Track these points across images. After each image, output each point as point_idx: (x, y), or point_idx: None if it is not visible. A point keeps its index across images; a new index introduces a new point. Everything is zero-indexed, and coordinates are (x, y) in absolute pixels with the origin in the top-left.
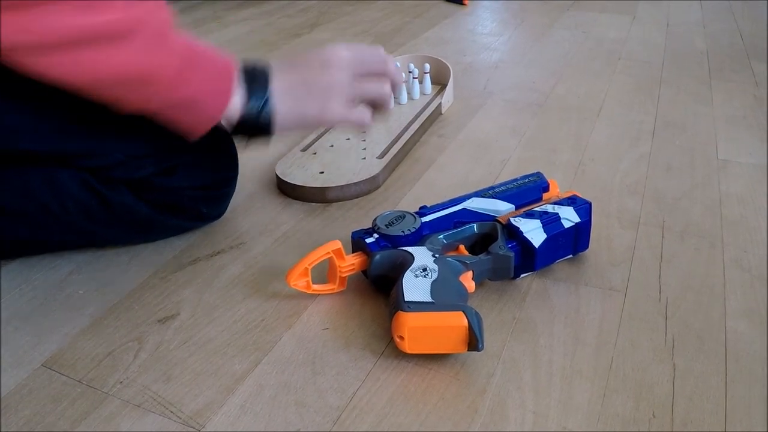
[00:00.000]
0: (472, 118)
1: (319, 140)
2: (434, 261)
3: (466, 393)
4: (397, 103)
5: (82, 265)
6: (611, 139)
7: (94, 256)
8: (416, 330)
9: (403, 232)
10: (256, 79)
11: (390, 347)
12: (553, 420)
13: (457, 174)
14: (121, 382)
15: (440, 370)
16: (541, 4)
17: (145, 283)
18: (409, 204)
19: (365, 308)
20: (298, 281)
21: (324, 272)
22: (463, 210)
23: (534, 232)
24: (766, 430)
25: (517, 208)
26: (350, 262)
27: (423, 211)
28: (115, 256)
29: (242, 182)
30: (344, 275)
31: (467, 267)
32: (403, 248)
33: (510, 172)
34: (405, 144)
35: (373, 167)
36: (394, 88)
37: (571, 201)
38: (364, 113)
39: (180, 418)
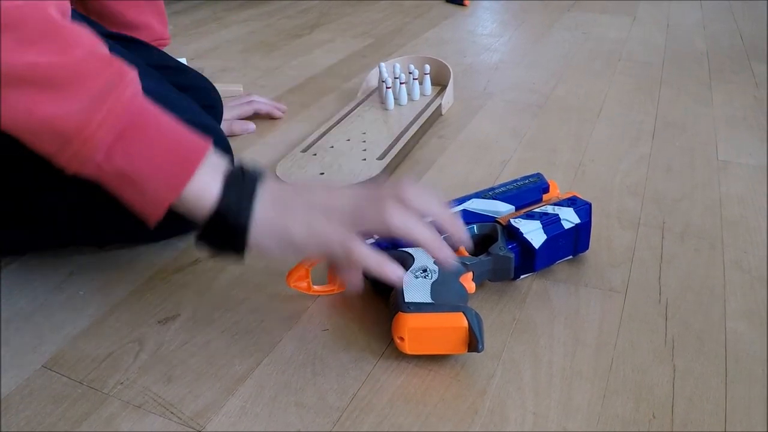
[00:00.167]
0: (473, 119)
1: (320, 141)
2: (434, 262)
3: (467, 394)
4: (397, 104)
5: (82, 266)
6: (611, 139)
7: (95, 257)
8: (416, 331)
9: None
10: (242, 176)
11: (390, 348)
12: (553, 421)
13: (457, 175)
14: (122, 383)
15: (440, 370)
16: (541, 5)
17: (145, 284)
18: None
19: (365, 309)
20: (299, 282)
21: (324, 273)
22: (464, 211)
23: (534, 233)
24: (766, 430)
25: (517, 209)
26: None
27: None
28: (115, 257)
29: None
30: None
31: (467, 268)
32: (404, 249)
33: (510, 173)
34: (405, 145)
35: (373, 168)
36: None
37: (571, 202)
38: (389, 264)
39: (180, 419)
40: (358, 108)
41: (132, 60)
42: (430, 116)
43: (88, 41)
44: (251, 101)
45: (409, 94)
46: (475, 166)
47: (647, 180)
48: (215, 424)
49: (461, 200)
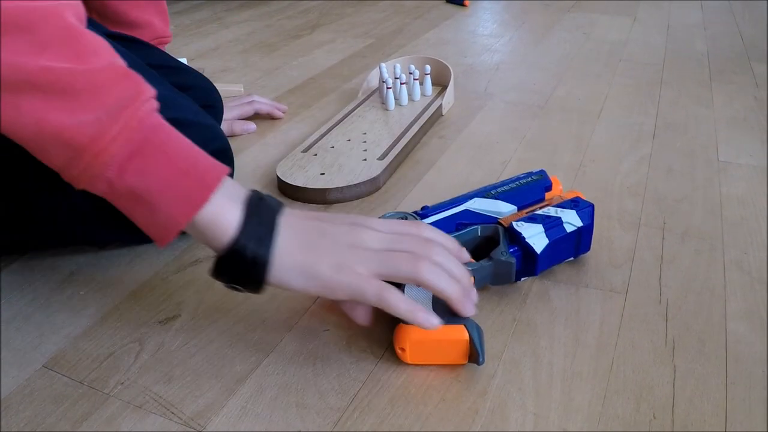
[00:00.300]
0: (473, 119)
1: (320, 141)
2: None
3: (467, 394)
4: (398, 104)
5: (83, 265)
6: (612, 140)
7: (95, 256)
8: (418, 343)
9: None
10: (260, 205)
11: (391, 349)
12: (554, 421)
13: (457, 175)
14: (122, 383)
15: (441, 371)
16: (542, 6)
17: (146, 284)
18: (410, 205)
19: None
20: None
21: None
22: (465, 211)
23: (536, 238)
24: (766, 431)
25: (519, 209)
26: None
27: (425, 212)
28: (116, 257)
29: (243, 183)
30: None
31: (469, 273)
32: None
33: (510, 173)
34: (406, 145)
35: (373, 168)
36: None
37: (574, 204)
38: (423, 312)
39: (181, 419)
40: (358, 108)
41: (132, 60)
42: (430, 117)
43: (106, 52)
44: (252, 101)
45: (409, 95)
46: (475, 167)
47: (648, 181)
48: (216, 425)
49: (463, 199)
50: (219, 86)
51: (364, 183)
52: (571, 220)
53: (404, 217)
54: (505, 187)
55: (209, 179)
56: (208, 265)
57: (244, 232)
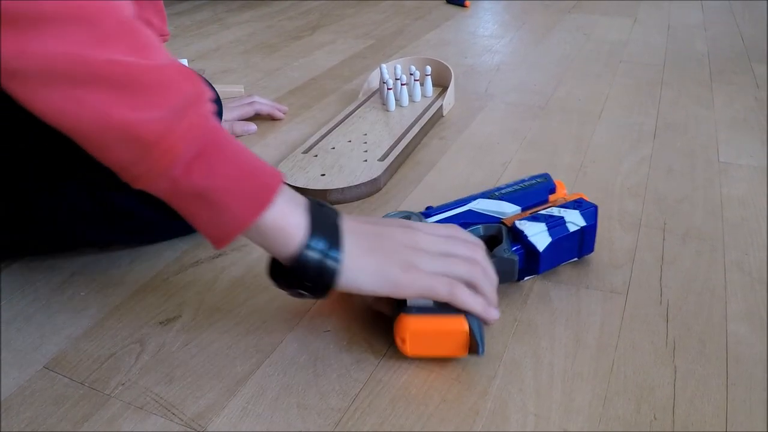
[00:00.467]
0: (474, 120)
1: (321, 142)
2: None
3: (468, 395)
4: (399, 105)
5: (83, 266)
6: (612, 141)
7: (96, 257)
8: (418, 333)
9: None
10: (325, 210)
11: (391, 349)
12: (555, 422)
13: (458, 176)
14: (123, 384)
15: (442, 372)
16: (542, 7)
17: (147, 284)
18: (411, 206)
19: (367, 310)
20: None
21: None
22: (469, 211)
23: (539, 236)
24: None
25: (523, 210)
26: None
27: (428, 212)
28: (117, 258)
29: None
30: None
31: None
32: None
33: (511, 174)
34: (406, 146)
35: (374, 169)
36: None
37: (578, 204)
38: (492, 307)
39: (182, 420)
40: (359, 109)
41: None
42: (431, 117)
43: (162, 49)
44: (252, 102)
45: (410, 96)
46: (476, 168)
47: (648, 181)
48: (216, 425)
49: (467, 200)
50: (219, 87)
51: (364, 184)
52: (574, 220)
53: (408, 216)
54: (509, 189)
55: (271, 182)
56: (209, 265)
57: (313, 237)
